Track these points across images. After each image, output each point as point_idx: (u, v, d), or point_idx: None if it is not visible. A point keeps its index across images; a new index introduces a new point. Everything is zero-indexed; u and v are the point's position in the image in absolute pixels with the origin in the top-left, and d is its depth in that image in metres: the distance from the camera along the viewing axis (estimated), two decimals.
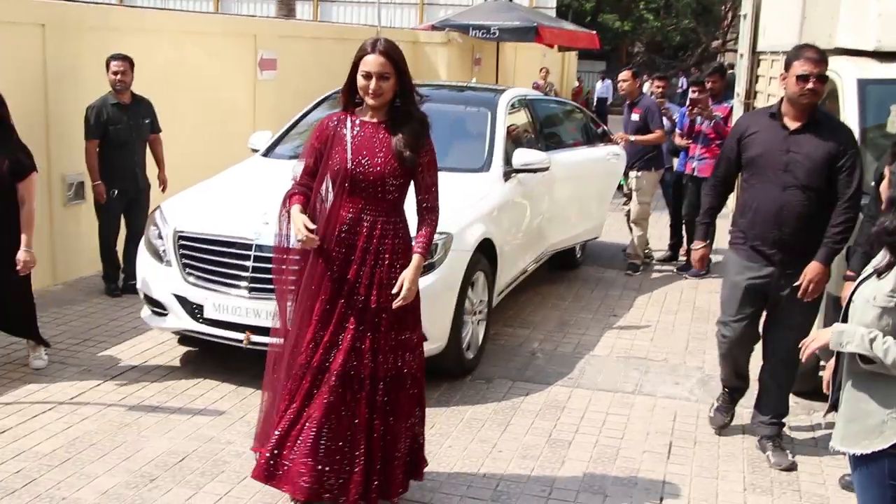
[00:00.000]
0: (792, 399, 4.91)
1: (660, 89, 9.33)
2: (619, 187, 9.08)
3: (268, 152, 6.75)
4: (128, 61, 6.99)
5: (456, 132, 7.04)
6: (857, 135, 4.96)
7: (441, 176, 6.07)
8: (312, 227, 3.71)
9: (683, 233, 8.97)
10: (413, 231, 3.90)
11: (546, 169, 6.67)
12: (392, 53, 3.71)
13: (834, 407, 3.10)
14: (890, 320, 2.84)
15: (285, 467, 3.74)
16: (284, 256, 3.95)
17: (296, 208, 3.81)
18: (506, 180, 6.44)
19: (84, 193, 7.50)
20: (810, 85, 4.31)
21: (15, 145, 5.24)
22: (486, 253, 5.84)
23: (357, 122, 3.81)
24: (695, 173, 8.43)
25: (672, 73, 27.46)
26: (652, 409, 5.33)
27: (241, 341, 5.17)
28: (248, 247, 5.17)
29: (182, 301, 5.39)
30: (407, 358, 3.87)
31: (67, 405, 5.00)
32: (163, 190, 7.39)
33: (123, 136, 7.02)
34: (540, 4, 23.20)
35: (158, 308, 5.55)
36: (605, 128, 9.21)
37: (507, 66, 19.88)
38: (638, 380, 5.81)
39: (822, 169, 4.38)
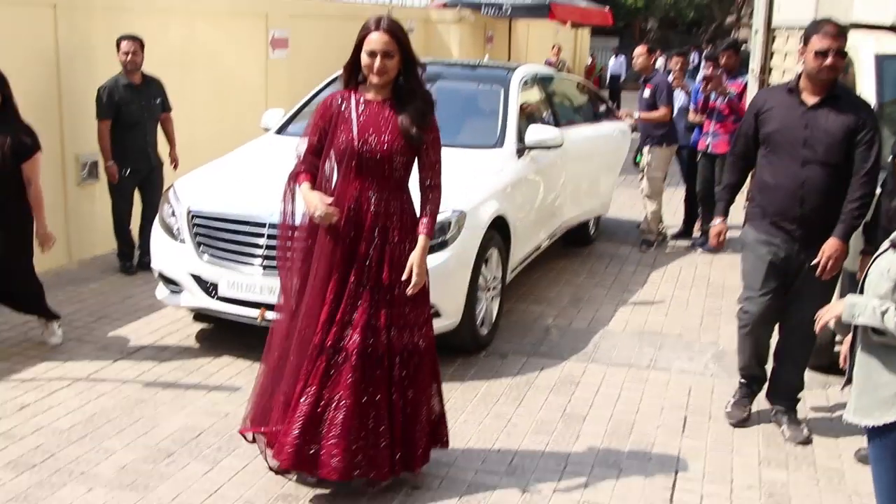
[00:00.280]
0: (807, 373, 4.88)
1: (678, 66, 9.24)
2: (636, 163, 9.06)
3: (280, 130, 6.75)
4: (138, 41, 6.99)
5: (469, 109, 7.04)
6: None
7: (454, 153, 6.13)
8: (329, 199, 3.72)
9: (698, 209, 8.95)
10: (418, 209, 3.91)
11: (559, 145, 6.65)
12: (396, 31, 3.71)
13: (850, 381, 3.09)
14: None
15: (312, 451, 3.73)
16: (290, 234, 3.95)
17: (306, 185, 3.81)
18: (519, 157, 6.42)
19: (98, 173, 7.52)
20: (829, 60, 4.25)
21: (17, 125, 5.17)
22: (499, 229, 5.84)
23: (361, 100, 3.80)
24: (709, 150, 8.40)
25: (686, 49, 27.25)
26: (666, 384, 5.34)
27: (255, 318, 5.19)
28: (261, 225, 5.18)
29: (196, 279, 5.41)
30: (421, 332, 3.88)
31: (85, 382, 5.04)
32: (174, 168, 7.42)
33: (135, 116, 7.03)
34: None
35: (173, 286, 5.58)
36: (611, 104, 9.19)
37: (520, 44, 19.80)
38: (652, 355, 5.81)
39: (840, 144, 4.32)
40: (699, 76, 9.33)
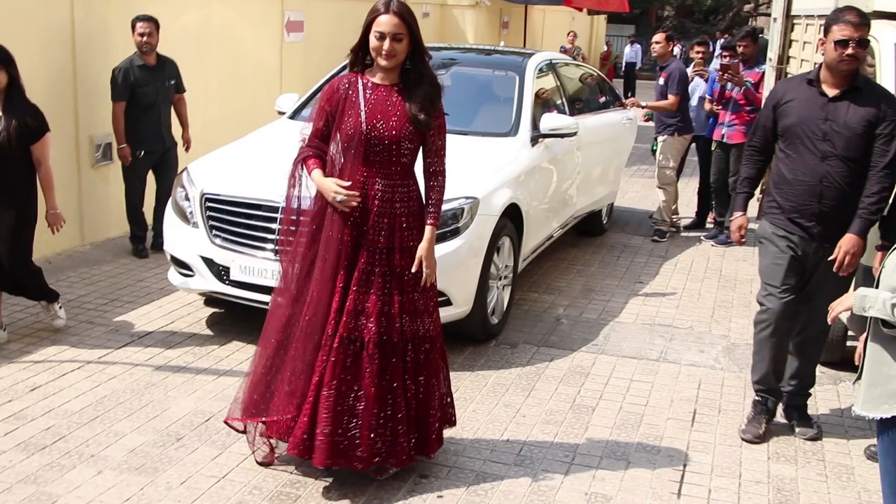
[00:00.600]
0: (818, 369, 4.87)
1: (700, 55, 9.16)
2: (653, 152, 9.05)
3: (294, 115, 6.74)
4: (153, 22, 6.99)
5: (483, 96, 7.01)
6: None
7: (468, 140, 6.13)
8: (346, 183, 3.71)
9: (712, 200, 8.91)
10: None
11: (574, 134, 6.62)
12: (405, 14, 3.68)
13: (861, 377, 3.09)
14: None
15: (330, 441, 3.72)
16: (295, 218, 3.92)
17: (318, 172, 3.79)
18: (533, 145, 6.40)
19: (112, 155, 7.53)
20: (850, 50, 4.13)
21: (24, 107, 5.06)
22: (512, 218, 5.82)
23: (369, 84, 3.77)
24: (724, 139, 8.35)
25: (702, 38, 27.07)
26: (676, 377, 5.33)
27: (266, 303, 5.18)
28: (274, 209, 5.16)
29: (208, 263, 5.42)
30: (431, 317, 3.91)
31: (95, 364, 5.07)
32: (187, 149, 7.44)
33: (150, 97, 7.04)
34: None
35: (185, 269, 5.59)
36: (618, 92, 9.19)
37: (535, 30, 19.72)
38: (663, 347, 5.80)
39: (861, 138, 4.21)
40: (712, 64, 9.27)
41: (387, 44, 3.66)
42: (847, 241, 4.23)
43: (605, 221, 8.83)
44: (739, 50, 8.41)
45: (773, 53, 8.94)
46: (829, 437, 4.62)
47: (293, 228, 3.94)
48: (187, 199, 5.58)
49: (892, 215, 4.39)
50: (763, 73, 8.45)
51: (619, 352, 5.67)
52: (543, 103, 6.97)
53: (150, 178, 7.33)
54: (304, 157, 3.85)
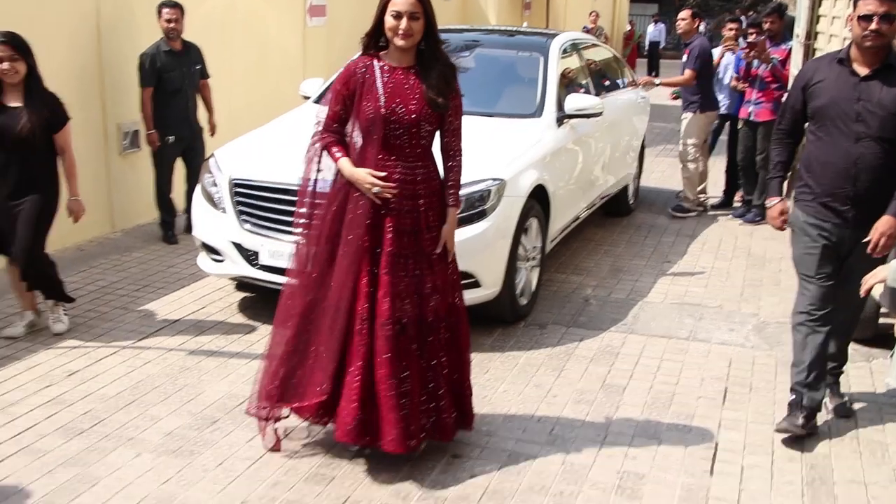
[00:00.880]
0: (850, 346, 4.85)
1: (732, 32, 9.08)
2: None
3: (319, 99, 6.75)
4: (179, 8, 7.04)
5: (508, 77, 7.00)
6: None
7: (494, 122, 6.14)
8: (381, 174, 3.73)
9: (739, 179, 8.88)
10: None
11: (599, 114, 6.60)
12: None
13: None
14: None
15: (377, 424, 3.76)
16: (314, 201, 3.93)
17: (346, 161, 3.79)
18: (558, 126, 6.39)
19: (139, 142, 7.60)
20: (874, 25, 3.98)
21: (45, 97, 5.05)
22: (539, 199, 5.83)
23: (385, 67, 3.78)
24: (751, 117, 8.30)
25: (724, 16, 26.78)
26: (706, 355, 5.33)
27: None
28: None
29: (238, 247, 5.47)
30: (457, 292, 3.98)
31: (130, 349, 5.14)
32: (212, 134, 7.50)
33: (177, 83, 7.09)
34: None
35: (215, 255, 5.64)
36: (632, 71, 9.21)
37: (558, 10, 19.61)
38: (692, 326, 5.79)
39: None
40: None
41: (404, 23, 3.66)
42: (883, 223, 4.06)
43: (631, 201, 8.81)
44: (766, 26, 8.34)
45: (800, 29, 8.86)
46: (862, 414, 4.61)
47: (314, 212, 3.93)
48: (215, 184, 5.63)
49: None
50: (790, 49, 8.38)
51: (649, 331, 5.68)
52: (568, 84, 6.96)
53: (178, 164, 7.39)
54: (328, 143, 3.85)
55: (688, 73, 8.52)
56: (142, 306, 5.83)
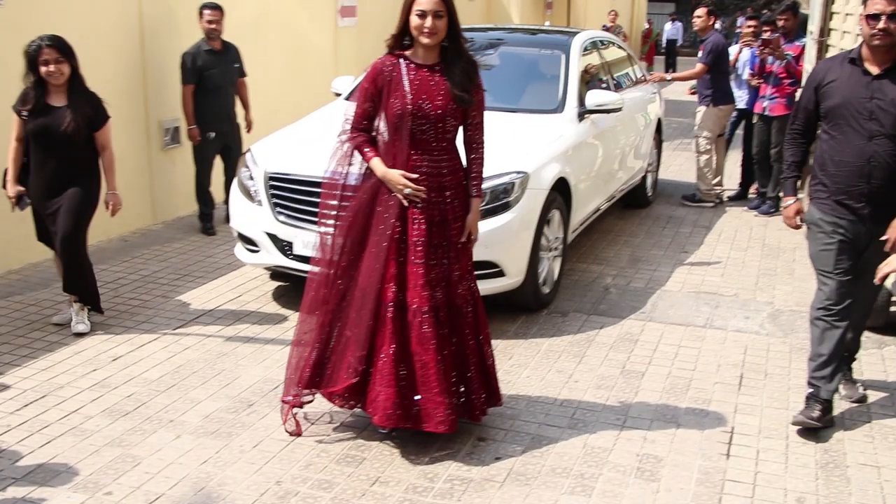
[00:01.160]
0: (863, 334, 4.78)
1: (751, 29, 8.96)
2: None
3: (350, 96, 6.74)
4: (220, 10, 7.07)
5: (531, 74, 6.96)
6: None
7: (517, 117, 6.10)
8: (414, 176, 3.74)
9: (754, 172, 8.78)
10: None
11: (619, 109, 6.55)
12: None
13: None
14: None
15: (417, 408, 3.79)
16: (343, 193, 3.91)
17: (378, 161, 3.79)
18: (579, 121, 6.34)
19: (180, 138, 7.63)
20: (881, 24, 3.88)
21: (87, 97, 5.03)
22: (561, 191, 5.79)
23: (412, 65, 3.78)
24: (765, 112, 8.21)
25: (739, 13, 26.48)
26: (723, 343, 5.27)
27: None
28: None
29: (273, 238, 5.47)
30: (474, 277, 4.01)
31: (171, 335, 5.16)
32: (248, 131, 7.51)
33: (218, 80, 7.11)
34: None
35: (251, 245, 5.65)
36: (642, 66, 9.13)
37: (578, 10, 19.48)
38: (709, 314, 5.73)
39: None
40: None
41: (429, 21, 3.66)
42: None
43: (650, 194, 8.74)
44: (780, 24, 8.23)
45: (813, 26, 8.74)
46: (875, 400, 4.54)
47: (343, 203, 3.92)
48: (251, 178, 5.63)
49: None
50: (804, 45, 8.27)
51: (667, 319, 5.62)
52: (588, 80, 6.91)
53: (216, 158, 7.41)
54: (359, 143, 3.85)
55: (698, 66, 8.47)
56: (181, 295, 5.85)
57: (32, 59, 4.85)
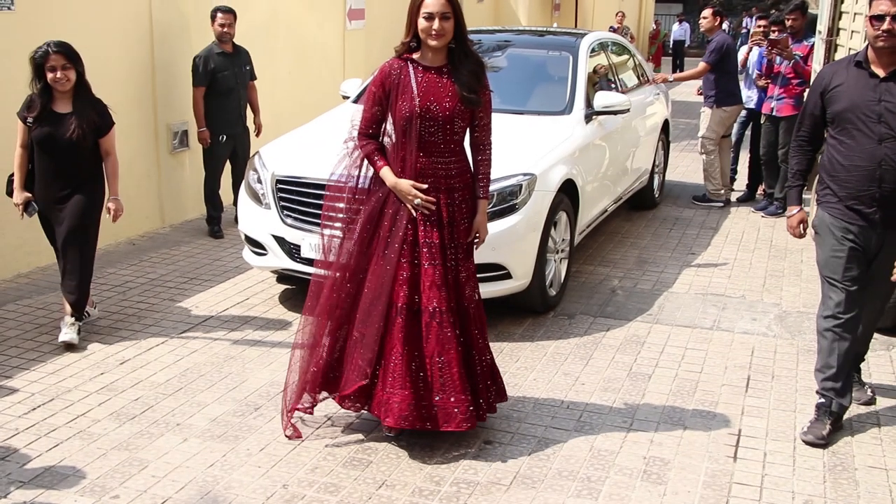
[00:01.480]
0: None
1: (761, 29, 8.91)
2: None
3: (358, 99, 6.73)
4: (232, 14, 7.08)
5: (538, 76, 6.94)
6: None
7: (524, 119, 6.08)
8: (423, 186, 3.74)
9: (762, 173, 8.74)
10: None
11: (627, 111, 6.52)
12: None
13: None
14: None
15: (431, 410, 3.79)
16: (353, 196, 3.92)
17: (388, 170, 3.79)
18: (587, 123, 6.31)
19: (188, 141, 7.63)
20: (886, 25, 3.82)
21: (93, 104, 5.00)
22: (568, 193, 5.76)
23: (419, 68, 3.77)
24: (773, 112, 8.17)
25: (746, 14, 26.43)
26: (730, 344, 5.24)
27: None
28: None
29: (280, 241, 5.46)
30: (477, 279, 4.02)
31: (178, 339, 5.16)
32: (257, 134, 7.51)
33: (229, 83, 7.12)
34: None
35: (258, 248, 5.64)
36: (649, 68, 9.11)
37: (586, 11, 19.44)
38: (716, 316, 5.70)
39: None
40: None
41: (436, 23, 3.66)
42: None
43: (656, 195, 8.70)
44: (788, 24, 8.20)
45: (822, 26, 8.69)
46: (884, 402, 4.50)
47: (352, 206, 3.92)
48: (259, 181, 5.63)
49: None
50: (812, 45, 8.22)
51: (674, 321, 5.59)
52: (596, 82, 6.88)
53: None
54: (369, 152, 3.85)
55: (701, 65, 8.44)
56: (189, 298, 5.85)
57: (39, 65, 4.84)
